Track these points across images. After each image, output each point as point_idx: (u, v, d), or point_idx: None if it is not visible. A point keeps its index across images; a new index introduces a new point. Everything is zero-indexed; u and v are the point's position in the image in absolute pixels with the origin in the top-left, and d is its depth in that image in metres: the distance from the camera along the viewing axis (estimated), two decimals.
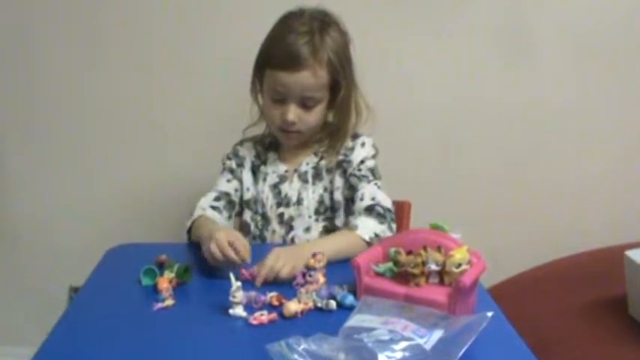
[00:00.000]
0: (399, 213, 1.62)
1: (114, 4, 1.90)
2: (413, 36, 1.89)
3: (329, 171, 1.48)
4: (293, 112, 1.39)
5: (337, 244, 1.29)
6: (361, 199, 1.40)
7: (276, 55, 1.38)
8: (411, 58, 1.91)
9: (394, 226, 1.37)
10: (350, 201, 1.45)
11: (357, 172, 1.44)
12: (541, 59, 1.91)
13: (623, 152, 1.98)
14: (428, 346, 0.83)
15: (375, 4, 1.86)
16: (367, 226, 1.32)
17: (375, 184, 1.43)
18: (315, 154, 1.50)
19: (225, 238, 1.19)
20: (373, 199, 1.39)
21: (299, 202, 1.47)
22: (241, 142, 1.56)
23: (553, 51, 1.91)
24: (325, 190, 1.48)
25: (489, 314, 0.89)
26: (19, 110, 1.99)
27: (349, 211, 1.44)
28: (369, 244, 1.28)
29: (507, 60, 1.90)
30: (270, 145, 1.54)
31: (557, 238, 1.99)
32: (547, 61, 1.91)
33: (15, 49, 1.94)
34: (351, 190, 1.44)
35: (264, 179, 1.51)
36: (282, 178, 1.50)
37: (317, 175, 1.48)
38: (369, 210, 1.37)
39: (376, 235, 1.31)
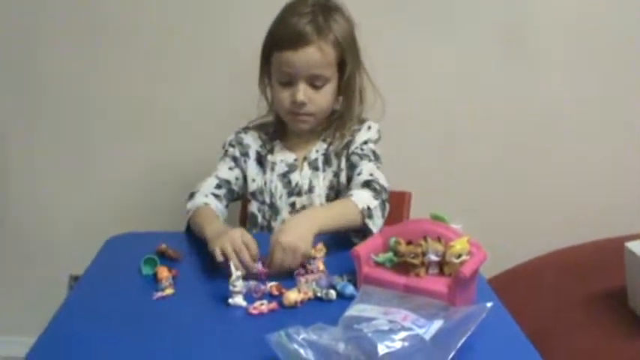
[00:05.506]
0: (400, 203, 1.62)
1: None
2: (414, 30, 1.89)
3: (337, 155, 1.48)
4: (302, 92, 1.38)
5: (332, 210, 1.29)
6: (359, 174, 1.39)
7: (280, 37, 1.39)
8: (412, 52, 1.90)
9: (388, 205, 1.34)
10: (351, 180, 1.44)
11: (359, 151, 1.44)
12: (542, 54, 1.91)
13: (623, 145, 1.99)
14: (427, 337, 0.83)
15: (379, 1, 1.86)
16: (362, 198, 1.29)
17: (375, 164, 1.42)
18: (324, 140, 1.49)
19: (240, 241, 1.14)
20: (371, 175, 1.37)
21: (310, 190, 1.47)
22: (245, 130, 1.54)
23: (554, 47, 1.91)
24: (334, 175, 1.47)
25: (489, 305, 0.89)
26: (20, 101, 1.99)
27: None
28: (361, 214, 1.26)
29: (509, 53, 1.91)
30: (275, 134, 1.53)
31: (557, 230, 1.99)
32: (548, 56, 1.91)
33: (15, 42, 1.93)
34: (351, 168, 1.44)
35: (272, 169, 1.49)
36: (292, 167, 1.49)
37: (326, 161, 1.48)
38: (366, 184, 1.35)
39: (368, 209, 1.27)
